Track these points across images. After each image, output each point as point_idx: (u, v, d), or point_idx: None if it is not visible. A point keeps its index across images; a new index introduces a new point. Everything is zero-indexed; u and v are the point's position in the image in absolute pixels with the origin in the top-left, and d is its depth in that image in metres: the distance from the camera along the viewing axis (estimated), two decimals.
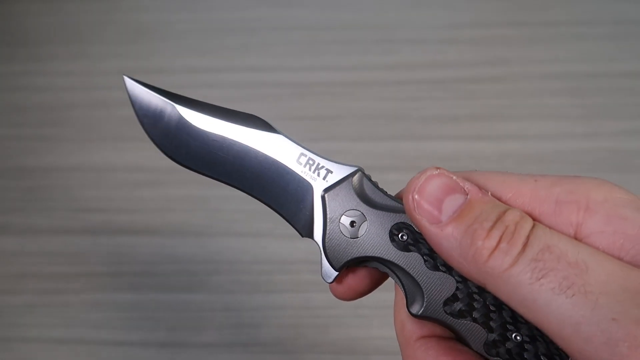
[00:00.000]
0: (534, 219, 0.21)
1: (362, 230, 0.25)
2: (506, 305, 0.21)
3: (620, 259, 0.20)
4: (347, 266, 0.25)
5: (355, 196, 0.25)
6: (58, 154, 0.64)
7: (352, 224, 0.25)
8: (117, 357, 0.52)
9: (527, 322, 0.21)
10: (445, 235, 0.21)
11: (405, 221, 0.24)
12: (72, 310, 0.55)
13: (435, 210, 0.22)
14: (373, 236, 0.24)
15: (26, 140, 0.66)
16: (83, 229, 0.59)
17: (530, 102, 0.65)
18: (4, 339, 0.54)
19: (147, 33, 0.74)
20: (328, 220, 0.25)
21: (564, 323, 0.18)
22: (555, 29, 0.71)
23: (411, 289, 0.24)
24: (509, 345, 0.22)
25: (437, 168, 0.23)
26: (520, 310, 0.20)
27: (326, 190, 0.25)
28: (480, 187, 0.22)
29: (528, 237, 0.20)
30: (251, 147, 0.27)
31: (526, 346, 0.22)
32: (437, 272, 0.23)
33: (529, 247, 0.19)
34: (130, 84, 0.29)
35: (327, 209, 0.25)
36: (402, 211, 0.24)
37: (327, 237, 0.25)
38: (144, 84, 0.29)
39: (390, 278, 0.26)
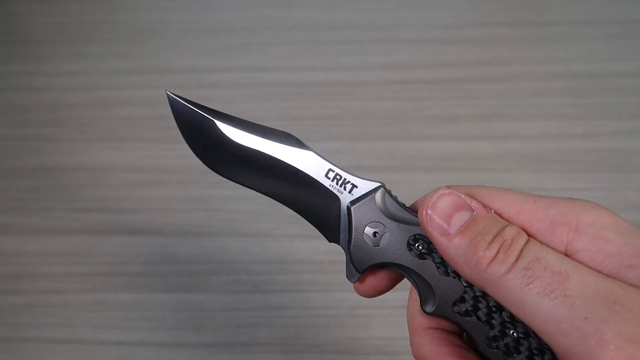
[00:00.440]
0: (532, 235, 0.25)
1: (384, 240, 0.28)
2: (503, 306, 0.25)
3: (600, 271, 0.23)
4: (369, 269, 0.29)
5: (377, 210, 0.28)
6: (58, 154, 0.64)
7: (374, 234, 0.28)
8: (117, 357, 0.52)
9: (522, 321, 0.24)
10: (453, 246, 0.25)
11: (421, 233, 0.28)
12: (72, 310, 0.55)
13: (445, 224, 0.25)
14: (393, 245, 0.28)
15: (26, 140, 0.66)
16: (83, 229, 0.59)
17: (530, 102, 0.65)
18: (4, 339, 0.54)
19: (147, 33, 0.74)
20: (353, 230, 0.29)
21: (547, 321, 0.22)
22: (555, 29, 0.71)
23: (425, 290, 0.28)
24: (507, 340, 0.26)
25: (448, 187, 0.27)
26: (513, 310, 0.23)
27: (352, 202, 0.29)
28: (485, 205, 0.26)
29: (522, 250, 0.24)
30: (285, 162, 0.30)
31: (521, 341, 0.25)
32: (447, 278, 0.27)
33: (522, 258, 0.23)
34: (173, 99, 0.30)
35: (353, 220, 0.29)
36: (418, 224, 0.27)
37: (352, 244, 0.29)
38: (185, 100, 0.30)
39: (405, 279, 0.29)
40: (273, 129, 0.30)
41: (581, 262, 0.24)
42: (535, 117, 0.64)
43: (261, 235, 0.57)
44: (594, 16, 0.71)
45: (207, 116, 0.30)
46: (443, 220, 0.25)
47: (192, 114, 0.30)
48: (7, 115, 0.68)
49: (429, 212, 0.26)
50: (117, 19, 0.76)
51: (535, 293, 0.22)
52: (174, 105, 0.30)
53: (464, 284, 0.27)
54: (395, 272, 0.29)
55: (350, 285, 0.30)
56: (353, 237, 0.29)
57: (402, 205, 0.29)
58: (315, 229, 0.31)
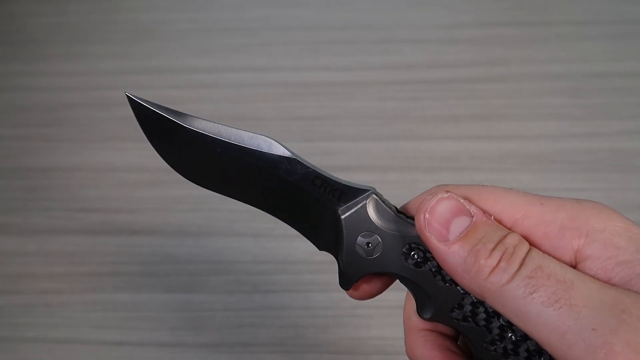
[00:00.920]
0: (540, 239, 0.24)
1: (377, 250, 0.27)
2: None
3: (611, 279, 0.23)
4: (362, 278, 0.28)
5: (369, 219, 0.27)
6: (58, 154, 0.64)
7: (367, 244, 0.27)
8: (117, 357, 0.52)
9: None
10: (452, 253, 0.24)
11: (416, 241, 0.26)
12: (72, 310, 0.55)
13: (444, 229, 0.24)
14: (387, 255, 0.27)
15: (26, 140, 0.66)
16: (83, 229, 0.59)
17: (530, 102, 0.65)
18: (4, 339, 0.54)
19: (147, 33, 0.74)
20: (345, 241, 0.27)
21: (551, 332, 0.21)
22: (555, 29, 0.71)
23: (421, 297, 0.27)
24: (505, 343, 0.25)
25: (447, 191, 0.26)
26: (515, 320, 0.23)
27: (342, 212, 0.27)
28: (484, 210, 0.25)
29: (524, 259, 0.23)
30: (266, 169, 0.27)
31: (519, 343, 0.25)
32: (444, 285, 0.26)
33: (524, 267, 0.23)
34: (134, 102, 0.28)
35: (344, 231, 0.27)
36: (412, 232, 0.26)
37: (344, 255, 0.27)
38: (149, 103, 0.28)
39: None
40: (252, 133, 0.28)
41: (590, 270, 0.23)
42: (535, 117, 0.64)
43: (261, 235, 0.57)
44: (594, 16, 0.71)
45: (174, 120, 0.28)
46: (442, 226, 0.25)
47: (157, 118, 0.28)
48: (6, 115, 0.68)
49: (427, 216, 0.25)
50: (117, 19, 0.76)
51: (539, 302, 0.22)
52: (137, 108, 0.28)
53: (462, 291, 0.26)
54: (390, 277, 0.29)
55: None
56: (345, 248, 0.27)
57: (395, 210, 0.28)
58: (312, 243, 0.30)
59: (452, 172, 0.60)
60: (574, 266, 0.24)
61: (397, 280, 0.29)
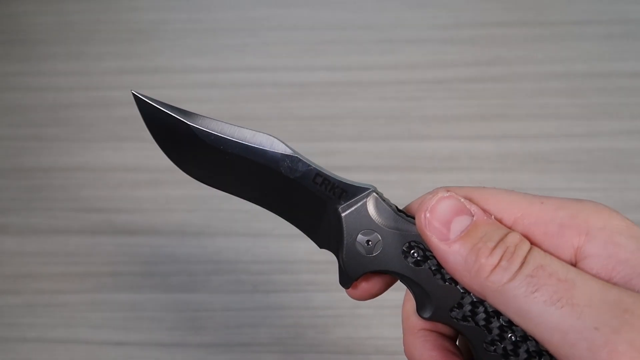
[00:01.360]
0: (540, 238, 0.24)
1: (377, 248, 0.27)
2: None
3: (611, 278, 0.23)
4: (362, 276, 0.28)
5: (369, 217, 0.27)
6: (57, 154, 0.64)
7: (367, 242, 0.27)
8: (117, 357, 0.52)
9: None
10: (452, 252, 0.24)
11: (416, 240, 0.26)
12: (72, 310, 0.55)
13: (445, 228, 0.24)
14: (387, 253, 0.27)
15: (26, 140, 0.66)
16: (83, 229, 0.59)
17: (530, 102, 0.65)
18: (4, 339, 0.54)
19: (147, 33, 0.74)
20: (345, 238, 0.27)
21: (553, 331, 0.21)
22: (555, 29, 0.71)
23: (421, 296, 0.27)
24: (505, 343, 0.25)
25: (448, 190, 0.26)
26: (516, 319, 0.23)
27: (342, 209, 0.27)
28: (485, 210, 0.25)
29: (525, 257, 0.23)
30: (269, 167, 0.28)
31: (519, 344, 0.25)
32: (444, 284, 0.26)
33: (526, 266, 0.23)
34: (140, 100, 0.28)
35: (344, 228, 0.27)
36: (412, 230, 0.26)
37: (344, 253, 0.27)
38: (154, 101, 0.28)
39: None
40: (255, 131, 0.28)
41: (591, 269, 0.23)
42: (535, 117, 0.64)
43: (261, 235, 0.57)
44: (594, 16, 0.71)
45: (178, 118, 0.28)
46: (442, 225, 0.25)
47: (161, 116, 0.28)
48: (6, 115, 0.68)
49: (428, 215, 0.25)
50: (117, 19, 0.76)
51: (540, 302, 0.22)
52: (142, 108, 0.28)
53: (461, 290, 0.26)
54: (389, 276, 0.28)
55: None
56: (345, 245, 0.27)
57: (395, 209, 0.28)
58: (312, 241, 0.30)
59: (452, 172, 0.60)
60: (574, 264, 0.24)
61: (397, 281, 0.29)
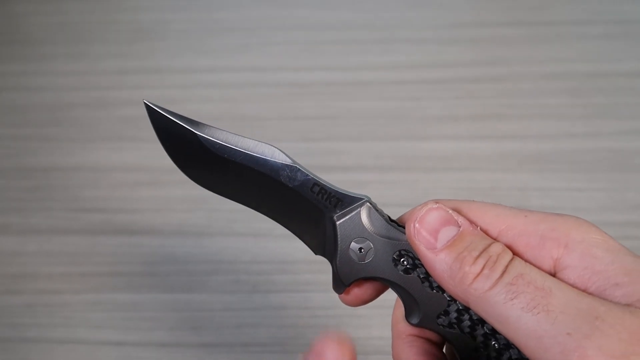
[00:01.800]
0: (522, 249, 0.26)
1: (369, 256, 0.28)
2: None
3: (587, 288, 0.24)
4: (354, 282, 0.29)
5: (363, 225, 0.28)
6: (58, 154, 0.64)
7: (360, 249, 0.28)
8: (117, 357, 0.52)
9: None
10: (439, 260, 0.25)
11: (406, 248, 0.28)
12: (72, 310, 0.55)
13: (432, 238, 0.26)
14: (378, 261, 0.28)
15: (26, 140, 0.66)
16: (83, 229, 0.59)
17: (530, 102, 0.65)
18: (4, 339, 0.54)
19: (147, 33, 0.74)
20: (339, 245, 0.29)
21: (529, 336, 0.22)
22: (555, 28, 0.71)
23: (410, 303, 0.28)
24: (489, 350, 0.26)
25: (437, 202, 0.27)
26: (496, 325, 0.24)
27: (337, 218, 0.29)
28: (471, 221, 0.27)
29: (507, 266, 0.24)
30: (269, 176, 0.29)
31: (502, 352, 0.26)
32: (432, 292, 0.27)
33: (506, 274, 0.24)
34: (151, 109, 0.30)
35: (338, 236, 0.29)
36: (403, 239, 0.28)
37: (338, 259, 0.29)
38: (165, 110, 0.30)
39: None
40: (257, 141, 0.29)
41: (569, 279, 0.24)
42: (535, 117, 0.64)
43: (261, 235, 0.57)
44: (594, 16, 0.71)
45: (186, 127, 0.29)
46: (430, 235, 0.26)
47: (170, 125, 0.30)
48: (6, 115, 0.68)
49: (417, 225, 0.26)
50: (117, 19, 0.76)
51: (518, 308, 0.23)
52: (152, 116, 0.30)
53: (448, 298, 0.27)
54: (381, 283, 0.30)
55: None
56: (339, 252, 0.29)
57: (388, 219, 0.29)
58: (308, 247, 0.31)
59: (452, 172, 0.60)
60: (553, 275, 0.25)
61: (385, 291, 0.30)
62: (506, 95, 0.66)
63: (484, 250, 0.25)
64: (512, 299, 0.23)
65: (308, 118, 0.65)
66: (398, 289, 0.28)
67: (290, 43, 0.72)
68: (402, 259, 0.28)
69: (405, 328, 0.29)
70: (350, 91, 0.67)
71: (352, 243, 0.28)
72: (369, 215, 0.29)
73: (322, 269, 0.55)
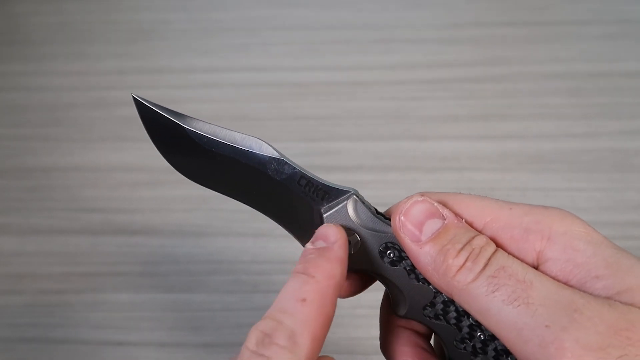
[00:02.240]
0: (506, 242, 0.26)
1: (356, 247, 0.28)
2: None
3: (568, 281, 0.24)
4: None
5: (349, 218, 0.28)
6: (58, 154, 0.64)
7: (347, 242, 0.28)
8: (117, 357, 0.52)
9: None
10: (423, 252, 0.26)
11: (392, 241, 0.28)
12: (72, 310, 0.55)
13: (417, 230, 0.26)
14: (365, 253, 0.28)
15: (26, 140, 0.66)
16: (83, 229, 0.59)
17: (530, 102, 0.65)
18: (4, 339, 0.54)
19: (147, 33, 0.74)
20: None
21: (509, 328, 0.23)
22: (555, 28, 0.71)
23: (396, 295, 0.28)
24: (474, 341, 0.26)
25: (422, 195, 0.27)
26: (478, 317, 0.24)
27: (324, 210, 0.29)
28: (457, 214, 0.27)
29: (489, 259, 0.24)
30: (257, 169, 0.29)
31: (488, 342, 0.26)
32: (418, 284, 0.27)
33: (488, 267, 0.24)
34: (139, 103, 0.30)
35: None
36: (389, 232, 0.28)
37: None
38: (153, 104, 0.30)
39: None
40: (245, 134, 0.30)
41: (550, 271, 0.24)
42: (535, 117, 0.64)
43: (261, 235, 0.57)
44: (594, 16, 0.71)
45: (175, 121, 0.30)
46: (415, 227, 0.26)
47: (159, 119, 0.30)
48: (6, 115, 0.68)
49: (402, 218, 0.26)
50: (117, 18, 0.76)
51: (499, 300, 0.23)
52: (140, 110, 0.30)
53: (434, 290, 0.27)
54: (368, 275, 0.30)
55: None
56: None
57: (375, 212, 0.29)
58: (296, 239, 0.31)
59: (452, 172, 0.60)
60: (536, 267, 0.25)
61: (374, 283, 0.30)
62: (506, 95, 0.66)
63: (468, 242, 0.25)
64: (494, 292, 0.23)
65: (308, 118, 0.65)
66: (385, 281, 0.29)
67: (290, 43, 0.72)
68: (388, 252, 0.28)
69: (392, 319, 0.30)
70: (350, 91, 0.67)
71: None
72: (356, 208, 0.29)
73: None
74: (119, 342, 0.53)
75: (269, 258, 0.56)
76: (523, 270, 0.24)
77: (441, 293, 0.27)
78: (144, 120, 0.30)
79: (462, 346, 0.27)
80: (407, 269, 0.28)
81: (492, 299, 0.23)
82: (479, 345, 0.26)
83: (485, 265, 0.24)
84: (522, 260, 0.25)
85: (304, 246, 0.30)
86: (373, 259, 0.28)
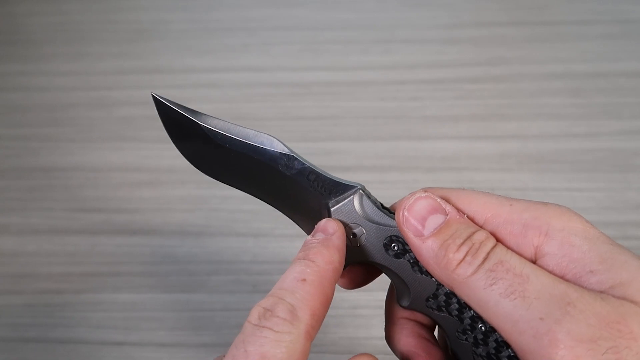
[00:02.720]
0: (505, 237, 0.27)
1: (362, 240, 0.29)
2: None
3: (564, 275, 0.25)
4: (348, 266, 0.30)
5: (355, 212, 0.29)
6: (57, 154, 0.64)
7: (352, 235, 0.29)
8: (117, 357, 0.52)
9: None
10: (426, 247, 0.26)
11: (397, 234, 0.29)
12: (72, 310, 0.55)
13: (420, 225, 0.27)
14: (370, 246, 0.29)
15: (26, 140, 0.66)
16: (83, 229, 0.59)
17: (530, 102, 0.65)
18: (4, 339, 0.54)
19: (147, 33, 0.74)
20: None
21: (506, 320, 0.24)
22: (555, 28, 0.71)
23: (400, 286, 0.29)
24: (475, 333, 0.27)
25: (425, 191, 0.28)
26: (477, 309, 0.25)
27: (332, 204, 0.30)
28: (459, 209, 0.27)
29: (488, 254, 0.25)
30: (268, 164, 0.31)
31: (489, 334, 0.26)
32: (421, 276, 0.28)
33: (487, 261, 0.25)
34: (158, 101, 0.32)
35: None
36: (393, 225, 0.29)
37: None
38: (170, 102, 0.32)
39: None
40: (257, 131, 0.31)
41: (547, 265, 0.25)
42: (535, 117, 0.64)
43: (261, 235, 0.57)
44: (594, 16, 0.71)
45: (192, 118, 0.31)
46: (418, 222, 0.27)
47: (176, 116, 0.31)
48: (6, 115, 0.68)
49: (406, 213, 0.27)
50: (117, 19, 0.76)
51: (497, 294, 0.24)
52: (159, 107, 0.31)
53: (436, 282, 0.28)
54: (374, 267, 0.30)
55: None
56: None
57: (380, 207, 0.30)
58: (304, 232, 0.31)
59: (452, 172, 0.60)
60: (534, 262, 0.26)
61: (385, 281, 0.31)
62: (506, 95, 0.66)
63: (468, 237, 0.26)
64: (492, 285, 0.24)
65: (308, 118, 0.65)
66: (389, 273, 0.29)
67: (290, 43, 0.72)
68: (392, 245, 0.29)
69: (397, 311, 0.31)
70: (350, 91, 0.67)
71: (345, 229, 0.29)
72: (361, 202, 0.30)
73: None
74: (119, 342, 0.53)
75: (269, 258, 0.56)
76: (520, 265, 0.24)
77: (443, 285, 0.28)
78: (162, 117, 0.32)
79: (464, 337, 0.27)
80: (411, 261, 0.28)
81: (490, 292, 0.24)
82: (480, 336, 0.27)
83: (484, 259, 0.25)
84: (520, 255, 0.25)
85: None
86: (378, 252, 0.29)
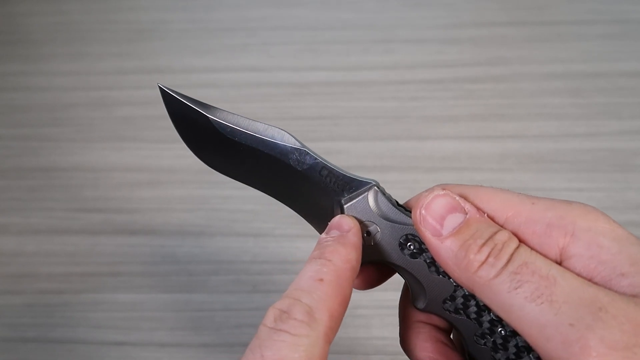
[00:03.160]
0: (528, 237, 0.25)
1: (376, 239, 0.28)
2: None
3: (592, 278, 0.23)
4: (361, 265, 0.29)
5: (370, 209, 0.28)
6: (57, 154, 0.64)
7: (367, 233, 0.28)
8: (117, 357, 0.52)
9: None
10: (444, 247, 0.25)
11: (413, 233, 0.27)
12: (72, 310, 0.55)
13: (438, 225, 0.25)
14: (385, 245, 0.28)
15: (26, 140, 0.66)
16: (83, 229, 0.59)
17: (530, 102, 0.65)
18: (4, 339, 0.54)
19: (147, 33, 0.74)
20: None
21: (532, 325, 0.22)
22: (555, 28, 0.71)
23: (416, 287, 0.28)
24: (495, 337, 0.26)
25: (444, 188, 0.27)
26: (500, 313, 0.24)
27: (345, 201, 0.29)
28: (478, 208, 0.26)
29: (512, 255, 0.24)
30: (279, 159, 0.29)
31: (509, 339, 0.26)
32: (438, 277, 0.27)
33: (511, 263, 0.24)
34: (165, 92, 0.30)
35: None
36: (410, 224, 0.28)
37: None
38: (178, 94, 0.30)
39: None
40: (267, 125, 0.30)
41: (574, 268, 0.24)
42: (535, 117, 0.64)
43: (261, 235, 0.57)
44: (594, 16, 0.71)
45: (200, 111, 0.30)
46: (436, 221, 0.26)
47: (184, 109, 0.30)
48: (6, 115, 0.68)
49: (423, 212, 0.26)
50: (117, 19, 0.76)
51: (522, 297, 0.23)
52: (166, 99, 0.30)
53: (454, 284, 0.27)
54: (387, 267, 0.29)
55: None
56: None
57: (396, 204, 0.29)
58: (315, 229, 0.31)
59: (452, 172, 0.60)
60: (559, 263, 0.24)
61: (396, 282, 0.30)
62: (506, 95, 0.66)
63: (490, 238, 0.24)
64: (516, 288, 0.23)
65: (308, 118, 0.65)
66: (404, 273, 0.28)
67: (290, 43, 0.72)
68: (408, 244, 0.28)
69: (412, 314, 0.29)
70: (350, 91, 0.67)
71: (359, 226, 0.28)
72: (376, 199, 0.28)
73: None
74: (119, 342, 0.53)
75: (269, 258, 0.56)
76: (546, 267, 0.23)
77: (461, 287, 0.27)
78: (169, 109, 0.30)
79: (483, 341, 0.26)
80: (427, 261, 0.27)
81: (515, 295, 0.23)
82: (499, 341, 0.26)
83: (508, 261, 0.24)
84: (545, 256, 0.24)
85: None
86: (393, 251, 0.28)
